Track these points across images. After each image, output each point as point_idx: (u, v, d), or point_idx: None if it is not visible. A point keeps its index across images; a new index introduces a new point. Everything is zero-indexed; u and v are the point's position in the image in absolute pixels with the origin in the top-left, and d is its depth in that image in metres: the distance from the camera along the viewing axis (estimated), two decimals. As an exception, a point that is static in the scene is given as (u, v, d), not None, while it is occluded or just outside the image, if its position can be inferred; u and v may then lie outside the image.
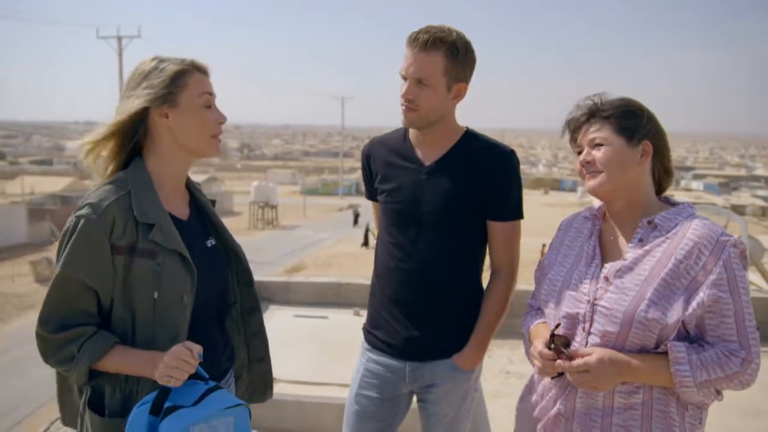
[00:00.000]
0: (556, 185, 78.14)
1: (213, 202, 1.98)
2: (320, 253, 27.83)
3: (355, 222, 37.30)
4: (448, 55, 2.00)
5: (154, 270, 1.63)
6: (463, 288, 2.20)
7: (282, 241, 33.04)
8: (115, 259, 1.61)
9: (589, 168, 1.74)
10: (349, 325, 5.26)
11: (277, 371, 4.46)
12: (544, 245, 28.13)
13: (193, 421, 1.51)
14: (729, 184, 68.85)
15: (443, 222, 2.11)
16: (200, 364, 1.60)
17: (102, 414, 1.64)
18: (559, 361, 1.64)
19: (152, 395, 1.56)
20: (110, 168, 1.74)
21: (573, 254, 1.83)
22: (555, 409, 1.74)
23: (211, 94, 1.77)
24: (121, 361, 1.62)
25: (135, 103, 1.68)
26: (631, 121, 1.71)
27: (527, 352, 1.98)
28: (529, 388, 1.93)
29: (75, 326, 1.62)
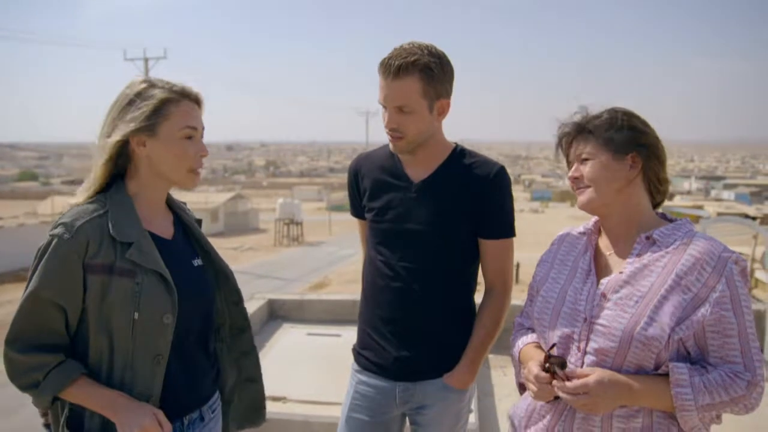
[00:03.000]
0: (583, 197, 77.24)
1: (199, 222, 1.96)
2: (345, 269, 27.82)
3: None
4: (422, 77, 1.94)
5: (133, 290, 1.62)
6: (454, 307, 2.14)
7: (307, 258, 33.12)
8: (90, 279, 1.61)
9: (578, 183, 1.70)
10: (361, 343, 5.18)
11: (285, 390, 4.45)
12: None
13: None
14: (761, 194, 67.39)
15: (433, 240, 2.07)
16: (183, 390, 1.63)
17: None
18: (555, 382, 1.56)
19: None
20: (92, 189, 1.74)
21: (566, 270, 1.77)
22: None
23: (194, 127, 1.74)
24: (84, 396, 1.62)
25: (116, 137, 1.68)
26: (616, 134, 1.65)
27: (517, 375, 1.92)
28: (518, 415, 1.84)
29: (43, 348, 1.61)
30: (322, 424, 3.89)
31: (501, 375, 5.11)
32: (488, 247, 2.11)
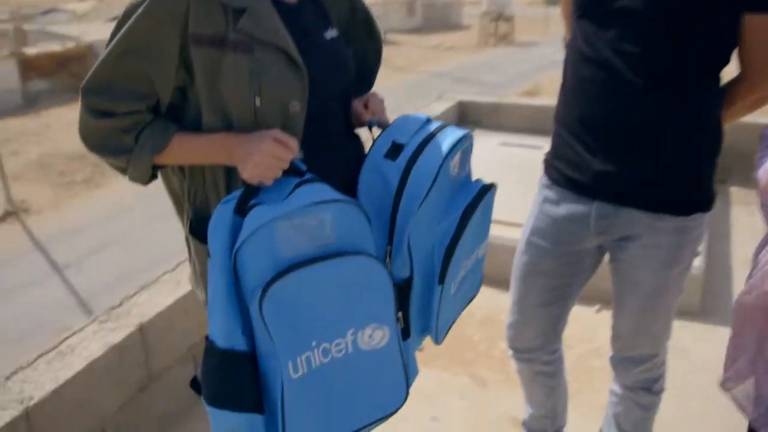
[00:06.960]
0: None
1: None
2: (560, 76, 26.01)
3: None
4: None
5: (250, 69, 1.31)
6: (686, 112, 1.59)
7: (516, 61, 31.31)
8: (196, 53, 1.29)
9: None
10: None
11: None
12: None
13: (273, 216, 1.21)
14: None
15: (662, 14, 1.52)
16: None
17: (205, 241, 1.39)
18: None
19: (238, 192, 1.31)
20: None
21: None
22: None
23: None
24: (189, 147, 1.36)
25: None
26: None
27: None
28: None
29: (126, 113, 1.33)
30: (504, 247, 3.37)
31: (745, 214, 4.09)
32: (755, 25, 1.49)
